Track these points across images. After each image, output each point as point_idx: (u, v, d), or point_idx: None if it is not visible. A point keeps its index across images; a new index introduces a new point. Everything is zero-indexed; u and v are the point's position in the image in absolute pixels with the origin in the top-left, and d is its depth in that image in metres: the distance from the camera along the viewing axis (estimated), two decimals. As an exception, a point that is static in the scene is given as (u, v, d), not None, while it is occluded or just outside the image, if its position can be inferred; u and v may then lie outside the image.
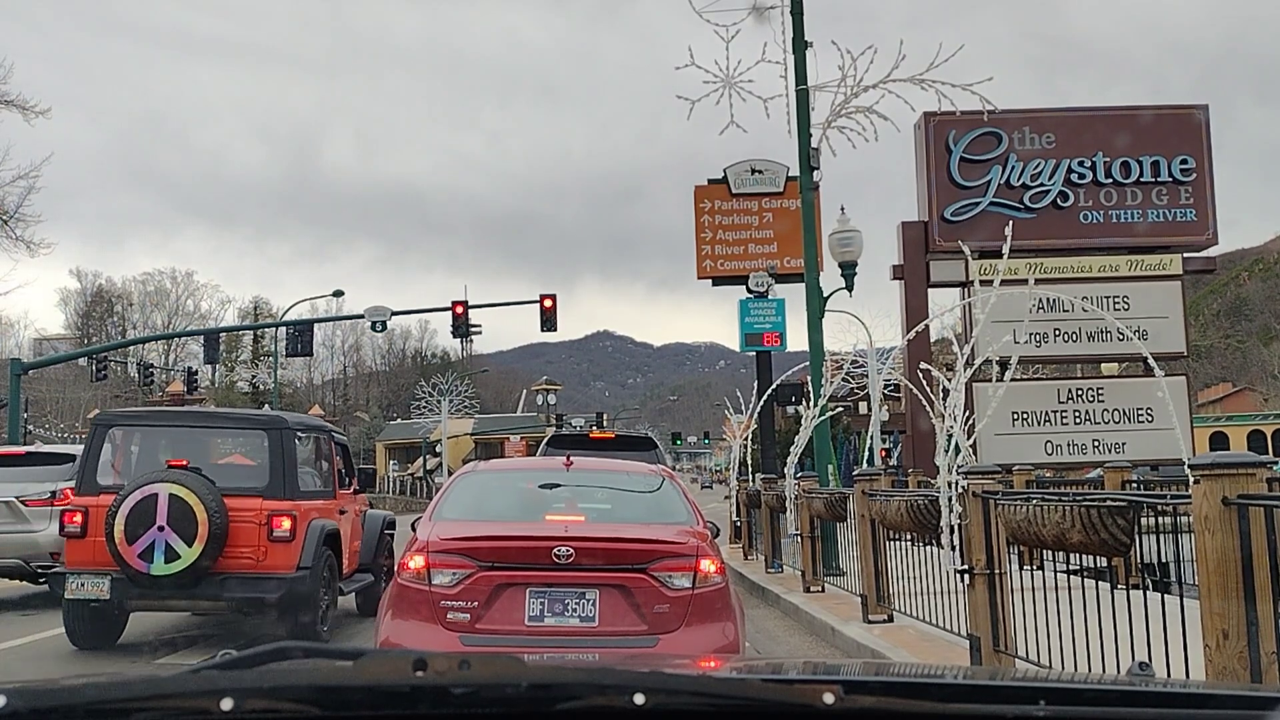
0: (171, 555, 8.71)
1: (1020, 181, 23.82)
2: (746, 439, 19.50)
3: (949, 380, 7.40)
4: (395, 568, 6.26)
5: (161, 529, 8.71)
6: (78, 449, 14.82)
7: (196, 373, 52.68)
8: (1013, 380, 7.33)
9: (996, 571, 6.62)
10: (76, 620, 9.35)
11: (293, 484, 9.45)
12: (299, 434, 9.90)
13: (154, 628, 10.60)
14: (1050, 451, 23.06)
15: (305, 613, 9.13)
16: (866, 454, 29.37)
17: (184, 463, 9.09)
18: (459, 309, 31.21)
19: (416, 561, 5.85)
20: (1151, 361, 7.77)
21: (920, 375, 8.54)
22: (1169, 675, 4.94)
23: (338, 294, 53.39)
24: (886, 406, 38.89)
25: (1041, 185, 23.81)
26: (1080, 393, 23.65)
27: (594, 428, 50.21)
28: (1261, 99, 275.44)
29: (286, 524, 9.12)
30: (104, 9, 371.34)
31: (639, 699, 1.34)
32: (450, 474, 11.36)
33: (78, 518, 9.20)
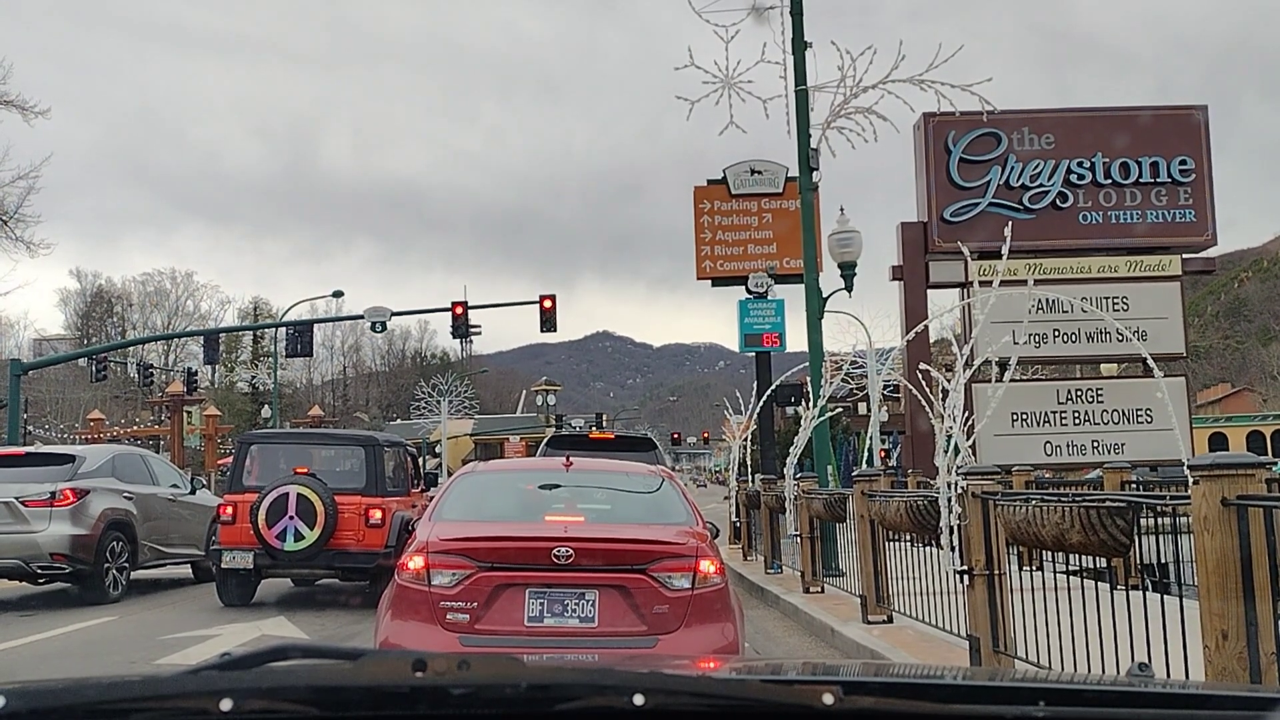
0: (299, 537, 11.80)
1: (1019, 182, 23.83)
2: (746, 440, 19.49)
3: (948, 381, 7.40)
4: (395, 568, 6.27)
5: (291, 518, 11.78)
6: (78, 449, 14.88)
7: (196, 373, 52.62)
8: (1012, 381, 7.32)
9: (996, 572, 6.62)
10: (226, 584, 12.36)
11: (382, 485, 12.50)
12: (385, 448, 13.01)
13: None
14: (1050, 452, 23.06)
15: (390, 580, 10.65)
16: (866, 455, 29.35)
17: (305, 469, 12.20)
18: (458, 309, 31.17)
19: (416, 562, 5.84)
20: (1151, 362, 7.77)
21: (919, 376, 8.54)
22: (1168, 676, 4.94)
23: (337, 294, 53.21)
24: (886, 407, 38.88)
25: (1041, 186, 23.81)
26: (1079, 393, 23.66)
27: (593, 428, 50.26)
28: (1266, 95, 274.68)
29: (378, 514, 12.17)
30: (96, 4, 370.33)
31: (638, 699, 1.34)
32: (450, 475, 11.69)
33: (229, 510, 12.25)
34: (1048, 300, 19.53)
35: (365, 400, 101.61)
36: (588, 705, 1.37)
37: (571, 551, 5.68)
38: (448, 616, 5.68)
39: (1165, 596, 6.82)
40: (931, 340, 29.33)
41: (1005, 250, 8.70)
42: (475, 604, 5.68)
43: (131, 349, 67.87)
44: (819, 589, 11.98)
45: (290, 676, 1.39)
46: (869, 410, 35.76)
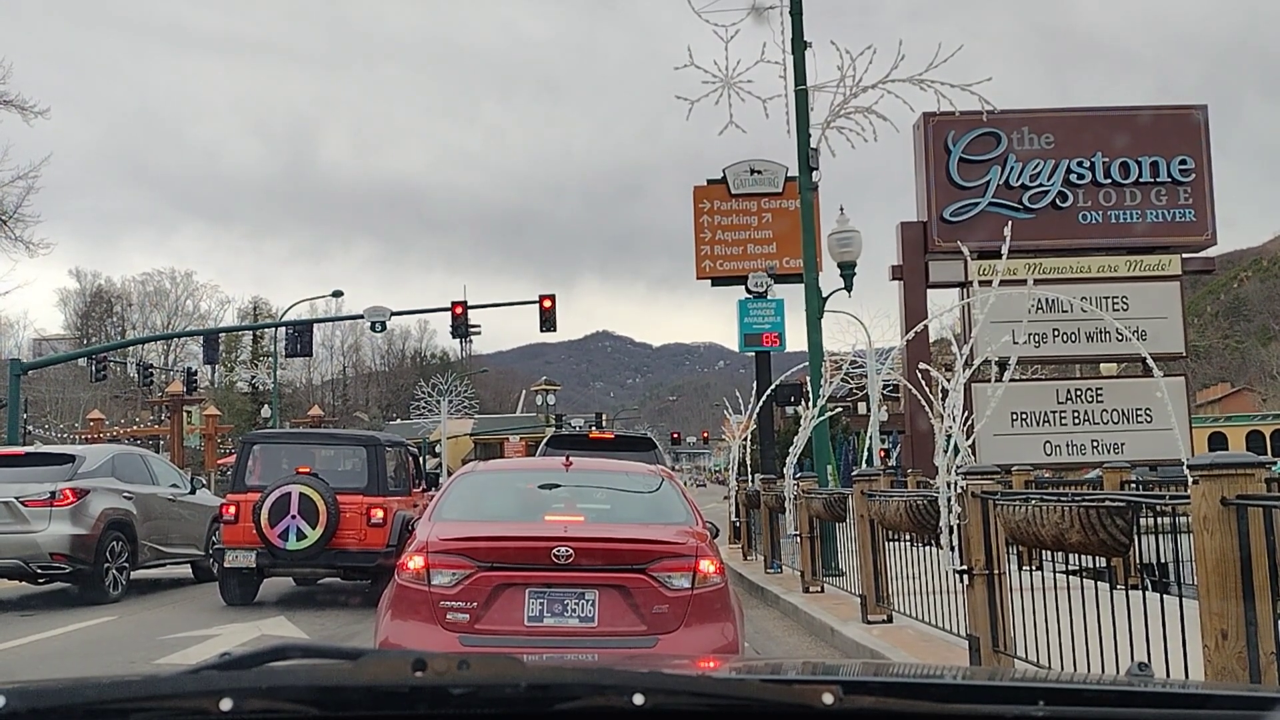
0: (301, 536, 11.89)
1: (1019, 182, 23.81)
2: (746, 439, 19.49)
3: (948, 381, 7.40)
4: (395, 568, 6.27)
5: (294, 517, 11.87)
6: (78, 449, 14.88)
7: (196, 373, 52.61)
8: (1011, 381, 7.32)
9: (995, 572, 6.62)
10: (228, 583, 12.46)
11: (384, 485, 12.59)
12: (387, 448, 13.14)
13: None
14: (1049, 452, 23.04)
15: (390, 580, 10.96)
16: (865, 454, 29.32)
17: (308, 469, 12.28)
18: (458, 309, 31.15)
19: (416, 562, 5.84)
20: (1150, 362, 7.77)
21: (919, 375, 8.53)
22: (1168, 675, 4.94)
23: (337, 294, 53.29)
24: (885, 407, 38.86)
25: (1040, 186, 23.79)
26: (1079, 393, 23.64)
27: (593, 428, 50.25)
28: (1266, 95, 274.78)
29: (380, 514, 12.27)
30: (96, 4, 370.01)
31: (638, 699, 1.34)
32: (449, 474, 11.71)
33: (232, 509, 12.33)
34: (1047, 300, 19.52)
35: (365, 400, 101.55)
36: (588, 705, 1.37)
37: (571, 551, 5.68)
38: (448, 616, 5.68)
39: (1165, 596, 6.82)
40: (931, 340, 29.32)
41: (1005, 250, 8.70)
42: (475, 604, 5.68)
43: (131, 349, 67.87)
44: (819, 589, 11.98)
45: (290, 676, 1.39)
46: (869, 410, 35.75)
